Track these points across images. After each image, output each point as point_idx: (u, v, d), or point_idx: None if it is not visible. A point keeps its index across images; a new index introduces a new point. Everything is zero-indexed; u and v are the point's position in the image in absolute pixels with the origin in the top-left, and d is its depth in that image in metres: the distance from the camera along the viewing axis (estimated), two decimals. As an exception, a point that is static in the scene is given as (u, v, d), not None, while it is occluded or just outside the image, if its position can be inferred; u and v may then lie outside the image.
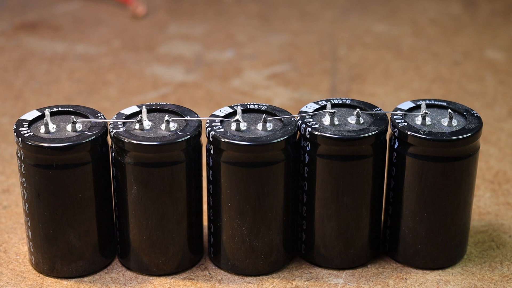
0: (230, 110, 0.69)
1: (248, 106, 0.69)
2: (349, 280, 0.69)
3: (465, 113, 0.69)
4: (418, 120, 0.68)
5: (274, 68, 1.09)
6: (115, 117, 0.68)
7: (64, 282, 0.69)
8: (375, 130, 0.66)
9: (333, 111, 0.67)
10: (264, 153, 0.65)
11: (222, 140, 0.65)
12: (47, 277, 0.69)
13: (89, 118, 0.68)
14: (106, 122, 0.67)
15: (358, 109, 0.68)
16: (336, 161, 0.66)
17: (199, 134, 0.67)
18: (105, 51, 1.12)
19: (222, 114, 0.68)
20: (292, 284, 0.69)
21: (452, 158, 0.66)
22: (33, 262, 0.69)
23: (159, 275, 0.69)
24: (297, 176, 0.68)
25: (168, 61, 1.10)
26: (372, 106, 0.69)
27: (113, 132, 0.66)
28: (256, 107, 0.69)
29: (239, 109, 0.67)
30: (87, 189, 0.66)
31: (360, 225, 0.69)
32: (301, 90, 1.03)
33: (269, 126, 0.67)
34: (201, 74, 1.06)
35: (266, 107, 0.69)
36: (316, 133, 0.66)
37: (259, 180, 0.66)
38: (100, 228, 0.68)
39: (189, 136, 0.66)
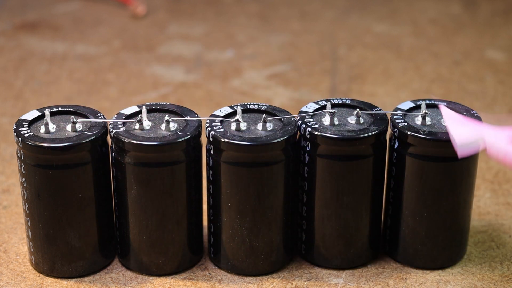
0: (230, 110, 0.69)
1: (248, 106, 0.69)
2: (349, 280, 0.69)
3: (465, 113, 0.69)
4: (418, 120, 0.68)
5: (274, 68, 1.09)
6: (115, 117, 0.68)
7: (64, 282, 0.69)
8: (375, 130, 0.66)
9: (333, 111, 0.67)
10: (264, 153, 0.65)
11: (222, 140, 0.65)
12: (47, 277, 0.69)
13: (89, 118, 0.68)
14: (106, 122, 0.67)
15: (358, 109, 0.68)
16: (336, 161, 0.66)
17: (199, 134, 0.67)
18: (105, 51, 1.12)
19: (222, 114, 0.68)
20: (292, 284, 0.69)
21: (452, 158, 0.66)
22: (33, 262, 0.69)
23: (159, 275, 0.69)
24: (297, 176, 0.68)
25: (168, 61, 1.10)
26: (372, 106, 0.69)
27: (113, 132, 0.66)
28: (256, 107, 0.69)
29: (239, 109, 0.67)
30: (87, 189, 0.66)
31: (360, 225, 0.69)
32: (301, 90, 1.03)
33: (269, 126, 0.67)
34: (201, 74, 1.06)
35: (266, 107, 0.69)
36: (316, 133, 0.66)
37: (259, 180, 0.66)
38: (100, 228, 0.68)
39: (189, 136, 0.66)
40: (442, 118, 0.68)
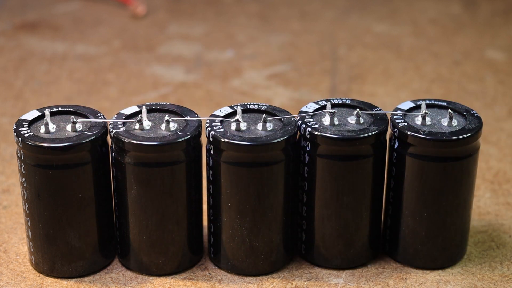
0: (230, 110, 0.69)
1: (248, 106, 0.69)
2: (349, 280, 0.69)
3: (465, 113, 0.69)
4: (418, 120, 0.68)
5: (274, 68, 1.09)
6: (115, 117, 0.68)
7: (64, 282, 0.69)
8: (375, 130, 0.66)
9: (333, 111, 0.67)
10: (264, 153, 0.65)
11: (222, 140, 0.65)
12: (47, 277, 0.69)
13: (89, 118, 0.68)
14: (106, 122, 0.67)
15: (358, 109, 0.68)
16: (336, 161, 0.66)
17: (199, 134, 0.67)
18: (105, 51, 1.12)
19: (222, 114, 0.68)
20: (292, 284, 0.69)
21: (452, 158, 0.66)
22: (33, 262, 0.69)
23: (159, 275, 0.69)
24: (297, 176, 0.68)
25: (168, 61, 1.10)
26: (372, 106, 0.69)
27: (113, 132, 0.66)
28: (256, 107, 0.69)
29: (239, 109, 0.67)
30: (87, 189, 0.66)
31: (360, 225, 0.69)
32: (301, 90, 1.03)
33: (269, 126, 0.67)
34: (201, 74, 1.06)
35: (266, 107, 0.69)
36: (316, 133, 0.66)
37: (259, 180, 0.66)
38: (100, 228, 0.68)
39: (189, 136, 0.66)
40: (442, 118, 0.68)
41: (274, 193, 0.67)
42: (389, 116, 0.69)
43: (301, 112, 0.69)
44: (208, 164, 0.67)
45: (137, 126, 0.67)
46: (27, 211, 0.67)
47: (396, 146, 0.68)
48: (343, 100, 0.70)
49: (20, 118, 0.68)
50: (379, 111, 0.69)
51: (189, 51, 1.13)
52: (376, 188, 0.68)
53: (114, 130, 0.66)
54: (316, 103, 0.70)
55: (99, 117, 0.68)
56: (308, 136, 0.66)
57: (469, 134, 0.66)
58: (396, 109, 0.69)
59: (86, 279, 0.69)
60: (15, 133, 0.66)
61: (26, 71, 1.06)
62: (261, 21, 1.23)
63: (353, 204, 0.68)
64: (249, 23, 1.22)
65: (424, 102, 0.69)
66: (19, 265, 0.71)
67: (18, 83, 1.03)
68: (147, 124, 0.67)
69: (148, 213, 0.67)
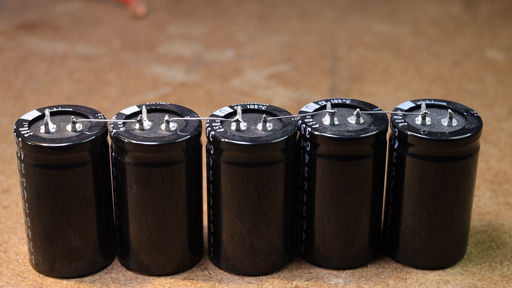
0: (230, 110, 0.69)
1: (248, 106, 0.69)
2: (349, 280, 0.69)
3: (465, 113, 0.69)
4: (418, 120, 0.68)
5: (274, 68, 1.09)
6: (115, 117, 0.68)
7: (64, 282, 0.69)
8: (375, 130, 0.66)
9: (333, 111, 0.67)
10: (264, 153, 0.65)
11: (222, 140, 0.65)
12: (47, 277, 0.69)
13: (89, 118, 0.68)
14: (106, 122, 0.67)
15: (358, 109, 0.68)
16: (336, 161, 0.66)
17: (199, 134, 0.67)
18: (105, 51, 1.12)
19: (222, 114, 0.68)
20: (292, 284, 0.69)
21: (452, 158, 0.66)
22: (33, 262, 0.69)
23: (159, 275, 0.69)
24: (297, 176, 0.68)
25: (168, 61, 1.10)
26: (372, 106, 0.69)
27: (113, 132, 0.66)
28: (256, 107, 0.69)
29: (239, 109, 0.67)
30: (87, 189, 0.66)
31: (360, 225, 0.69)
32: (301, 90, 1.03)
33: (269, 126, 0.67)
34: (201, 74, 1.06)
35: (266, 107, 0.69)
36: (316, 133, 0.66)
37: (259, 180, 0.66)
38: (100, 228, 0.68)
39: (189, 136, 0.66)
40: (442, 118, 0.68)
41: (274, 193, 0.67)
42: (389, 116, 0.69)
43: (301, 112, 0.69)
44: (208, 164, 0.67)
45: (137, 126, 0.67)
46: (27, 211, 0.67)
47: (396, 146, 0.68)
48: (343, 100, 0.70)
49: (20, 118, 0.68)
50: (379, 111, 0.69)
51: (189, 51, 1.13)
52: (376, 188, 0.68)
53: (114, 130, 0.66)
54: (316, 103, 0.70)
55: (99, 117, 0.68)
56: (308, 136, 0.66)
57: (469, 134, 0.66)
58: (396, 109, 0.69)
59: (86, 279, 0.69)
60: (15, 133, 0.66)
61: (26, 71, 1.06)
62: (261, 21, 1.23)
63: (353, 204, 0.68)
64: (249, 23, 1.22)
65: (424, 102, 0.69)
66: (19, 265, 0.71)
67: (18, 83, 1.03)
68: (147, 124, 0.67)
69: (148, 213, 0.67)
